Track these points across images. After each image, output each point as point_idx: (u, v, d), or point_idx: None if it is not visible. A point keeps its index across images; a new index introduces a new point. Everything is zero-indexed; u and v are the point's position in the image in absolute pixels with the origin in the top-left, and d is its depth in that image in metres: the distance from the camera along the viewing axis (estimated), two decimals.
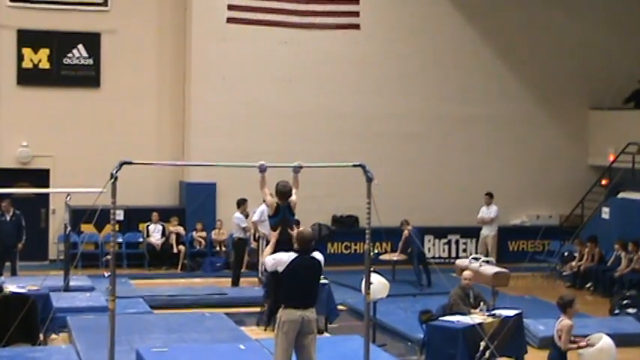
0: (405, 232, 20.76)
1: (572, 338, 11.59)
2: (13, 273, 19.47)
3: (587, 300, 19.51)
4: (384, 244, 21.73)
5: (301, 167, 12.00)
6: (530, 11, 24.69)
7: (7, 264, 19.79)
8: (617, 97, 24.62)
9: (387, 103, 24.05)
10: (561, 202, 24.79)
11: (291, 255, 10.45)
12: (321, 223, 23.52)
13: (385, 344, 14.93)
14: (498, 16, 24.61)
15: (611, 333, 12.15)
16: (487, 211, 22.36)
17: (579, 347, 11.57)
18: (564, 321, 11.57)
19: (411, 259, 20.55)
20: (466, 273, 14.75)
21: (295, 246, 10.73)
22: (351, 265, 21.12)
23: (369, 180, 11.81)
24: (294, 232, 11.27)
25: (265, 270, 18.73)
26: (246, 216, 20.54)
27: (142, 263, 22.63)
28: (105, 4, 23.16)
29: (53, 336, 15.06)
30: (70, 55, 23.06)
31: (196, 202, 23.15)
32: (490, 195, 22.34)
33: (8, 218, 19.86)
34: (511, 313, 13.79)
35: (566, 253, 22.18)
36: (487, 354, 12.79)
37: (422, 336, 13.93)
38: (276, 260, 10.49)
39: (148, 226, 22.81)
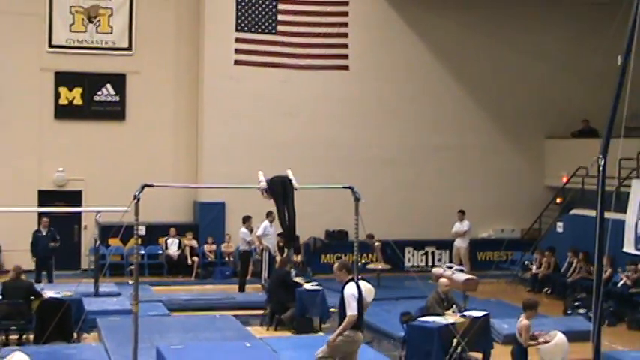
0: (377, 244, 20.89)
1: (535, 333, 11.62)
2: (50, 280, 19.44)
3: (545, 302, 19.46)
4: (370, 255, 21.70)
5: (297, 189, 11.93)
6: (496, 54, 24.72)
7: (44, 273, 19.76)
8: (569, 128, 24.67)
9: (372, 133, 24.06)
10: (522, 217, 24.77)
11: (355, 285, 10.59)
12: (315, 236, 23.54)
13: (371, 341, 14.91)
14: (467, 58, 24.64)
15: (564, 330, 12.15)
16: (460, 226, 22.40)
17: (538, 343, 11.58)
18: (523, 321, 11.59)
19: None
20: (443, 280, 14.74)
21: (344, 273, 10.77)
22: None
23: (357, 199, 11.84)
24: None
25: (268, 277, 18.85)
26: (251, 231, 20.55)
27: (161, 272, 22.54)
28: (129, 49, 23.18)
29: (85, 335, 15.04)
30: (99, 92, 23.06)
31: (208, 219, 23.13)
32: (462, 212, 22.41)
33: (45, 233, 19.85)
34: (479, 313, 13.78)
35: (526, 262, 22.16)
36: (459, 349, 12.78)
37: (403, 334, 13.92)
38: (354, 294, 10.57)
39: (166, 240, 22.76)
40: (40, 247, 19.72)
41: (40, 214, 20.76)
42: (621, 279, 18.48)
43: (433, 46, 24.48)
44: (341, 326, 10.58)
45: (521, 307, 11.78)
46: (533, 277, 21.37)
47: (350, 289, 10.64)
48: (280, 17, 23.48)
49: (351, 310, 10.57)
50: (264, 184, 11.69)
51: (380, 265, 20.91)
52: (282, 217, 11.76)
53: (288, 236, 12.26)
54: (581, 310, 17.52)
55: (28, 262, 19.65)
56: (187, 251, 22.64)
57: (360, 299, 10.66)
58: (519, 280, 21.87)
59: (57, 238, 19.85)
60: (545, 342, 11.53)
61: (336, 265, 11.10)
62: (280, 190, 11.63)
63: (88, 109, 23.00)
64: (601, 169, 9.93)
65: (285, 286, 16.55)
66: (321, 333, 15.49)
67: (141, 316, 11.06)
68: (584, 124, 24.20)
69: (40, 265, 19.75)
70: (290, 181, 11.67)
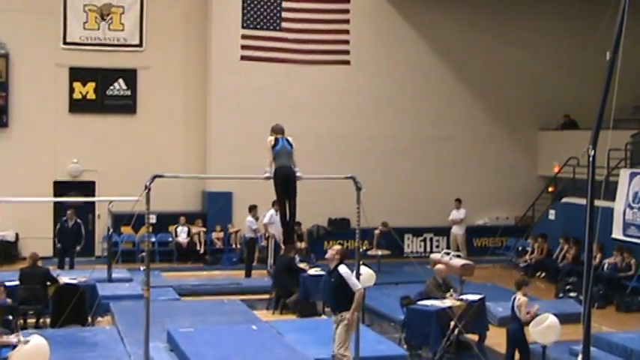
0: (377, 232, 20.99)
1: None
2: (71, 267, 19.50)
3: (538, 286, 19.53)
4: (371, 243, 21.73)
5: (300, 178, 11.92)
6: (492, 49, 24.67)
7: (67, 259, 19.82)
8: (561, 120, 24.67)
9: (373, 125, 24.04)
10: (516, 205, 24.75)
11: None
12: (319, 224, 23.58)
13: (372, 324, 14.97)
14: (464, 53, 24.61)
15: (556, 313, 12.22)
16: (457, 214, 22.44)
17: (533, 317, 11.70)
18: (521, 298, 11.67)
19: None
20: (441, 266, 14.77)
21: (338, 257, 10.82)
22: None
23: (359, 189, 11.85)
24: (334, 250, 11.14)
25: (273, 263, 18.89)
26: (257, 219, 20.59)
27: (171, 259, 22.58)
28: (140, 45, 23.18)
29: (99, 319, 15.12)
30: (112, 87, 23.08)
31: (216, 207, 23.12)
32: (459, 200, 22.45)
33: (70, 225, 19.88)
34: (475, 297, 13.84)
35: (520, 248, 22.18)
36: (456, 331, 12.84)
37: (402, 317, 13.97)
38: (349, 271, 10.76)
39: (176, 228, 22.78)
40: (65, 237, 19.75)
41: (60, 205, 20.75)
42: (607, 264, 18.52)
43: (431, 41, 24.46)
44: (355, 303, 10.61)
45: (515, 286, 11.90)
46: (527, 262, 21.39)
47: (345, 268, 10.73)
48: (285, 14, 23.46)
49: (357, 284, 10.66)
50: (269, 175, 11.67)
51: (379, 252, 20.92)
52: (282, 214, 11.72)
53: (287, 234, 12.25)
54: (572, 294, 17.57)
55: (45, 250, 19.73)
56: (196, 239, 22.68)
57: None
58: (513, 265, 21.90)
59: (82, 232, 19.87)
60: (537, 316, 11.67)
61: (335, 247, 11.15)
62: (284, 184, 11.58)
63: (101, 103, 23.01)
64: (591, 159, 9.95)
65: (290, 271, 16.60)
66: (324, 316, 15.54)
67: (152, 301, 11.10)
68: (565, 118, 24.33)
69: (64, 252, 19.79)
70: (294, 173, 11.63)
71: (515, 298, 11.86)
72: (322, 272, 16.73)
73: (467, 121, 24.74)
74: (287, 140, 11.83)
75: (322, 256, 22.43)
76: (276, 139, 11.76)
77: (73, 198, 21.46)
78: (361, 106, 24.05)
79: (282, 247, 18.61)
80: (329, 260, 11.09)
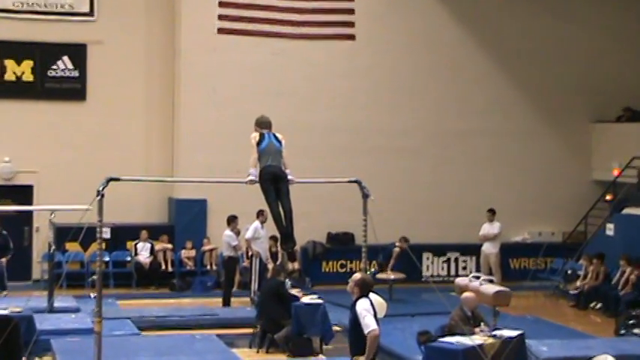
0: (396, 250, 20.97)
1: None
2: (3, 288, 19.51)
3: (592, 320, 19.48)
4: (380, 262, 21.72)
5: (293, 182, 11.88)
6: (532, 22, 24.72)
7: None
8: (620, 112, 24.69)
9: (383, 116, 24.05)
10: (564, 218, 24.78)
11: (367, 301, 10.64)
12: (315, 240, 23.54)
13: None
14: (499, 27, 24.64)
15: (616, 354, 12.16)
16: (489, 228, 22.38)
17: None
18: None
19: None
20: (469, 294, 14.72)
21: (357, 291, 10.74)
22: (346, 284, 20.99)
23: (366, 196, 11.80)
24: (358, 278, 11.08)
25: (258, 289, 18.84)
26: (238, 233, 20.53)
27: (130, 283, 22.57)
28: (91, 14, 23.16)
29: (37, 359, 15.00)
30: (54, 67, 23.05)
31: (186, 219, 23.12)
32: (492, 211, 22.39)
33: None
34: (513, 333, 13.77)
35: (569, 271, 22.15)
36: None
37: (420, 358, 13.91)
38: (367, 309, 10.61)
39: (135, 244, 22.77)
40: None
41: None
42: None
43: (457, 10, 24.49)
44: (367, 349, 10.57)
45: None
46: (578, 289, 21.34)
47: (363, 304, 10.65)
48: None
49: (370, 325, 10.58)
50: (253, 178, 11.63)
51: (392, 275, 20.90)
52: (276, 215, 11.73)
53: (286, 236, 12.20)
54: (636, 330, 17.51)
55: None
56: (161, 258, 22.63)
57: (375, 316, 10.67)
58: (561, 292, 21.86)
59: (10, 246, 19.82)
60: None
61: (355, 277, 11.06)
62: (272, 185, 11.60)
63: (40, 86, 23.02)
64: None
65: (279, 299, 16.52)
66: (322, 356, 15.49)
67: (104, 337, 11.03)
68: (626, 112, 24.37)
69: None
70: (285, 175, 11.63)
71: None
72: (319, 300, 16.70)
73: (502, 111, 24.76)
74: (275, 136, 11.89)
75: (319, 279, 22.51)
76: (262, 135, 11.82)
77: (4, 206, 21.38)
78: (369, 92, 24.05)
79: (270, 268, 18.52)
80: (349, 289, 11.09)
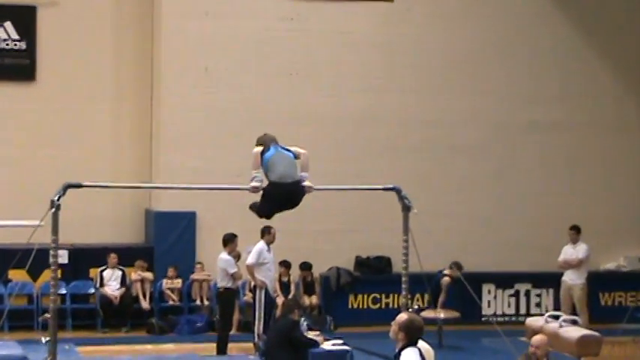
0: (446, 279, 21.01)
1: None
2: None
3: None
4: (425, 296, 21.76)
5: (311, 190, 11.90)
6: None
7: None
8: None
9: (429, 104, 24.06)
10: None
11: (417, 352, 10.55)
12: (339, 267, 23.53)
13: None
14: None
15: None
16: (573, 251, 22.31)
17: None
18: None
19: None
20: (541, 338, 14.71)
21: (402, 337, 10.74)
22: (380, 324, 20.90)
23: (407, 208, 11.83)
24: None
25: (264, 331, 18.88)
26: (237, 258, 20.54)
27: (94, 323, 22.62)
28: None
29: None
30: None
31: (169, 238, 23.15)
32: (577, 229, 22.31)
33: None
34: None
35: None
36: None
37: None
38: None
39: (102, 271, 22.80)
40: None
41: None
42: None
43: None
44: None
45: None
46: None
47: (410, 356, 10.64)
48: None
49: None
50: (257, 184, 11.70)
51: (441, 314, 20.92)
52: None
53: None
54: None
55: None
56: (136, 290, 22.71)
57: None
58: None
59: None
60: None
61: (400, 318, 11.06)
62: (279, 208, 11.68)
63: None
64: None
65: (292, 345, 16.57)
66: None
67: None
68: None
69: None
70: (302, 189, 11.68)
71: None
72: (345, 347, 16.72)
73: (586, 99, 24.79)
74: (285, 148, 12.25)
75: (345, 318, 22.52)
76: (266, 147, 12.21)
77: None
78: (409, 72, 24.05)
79: (279, 302, 18.55)
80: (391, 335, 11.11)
